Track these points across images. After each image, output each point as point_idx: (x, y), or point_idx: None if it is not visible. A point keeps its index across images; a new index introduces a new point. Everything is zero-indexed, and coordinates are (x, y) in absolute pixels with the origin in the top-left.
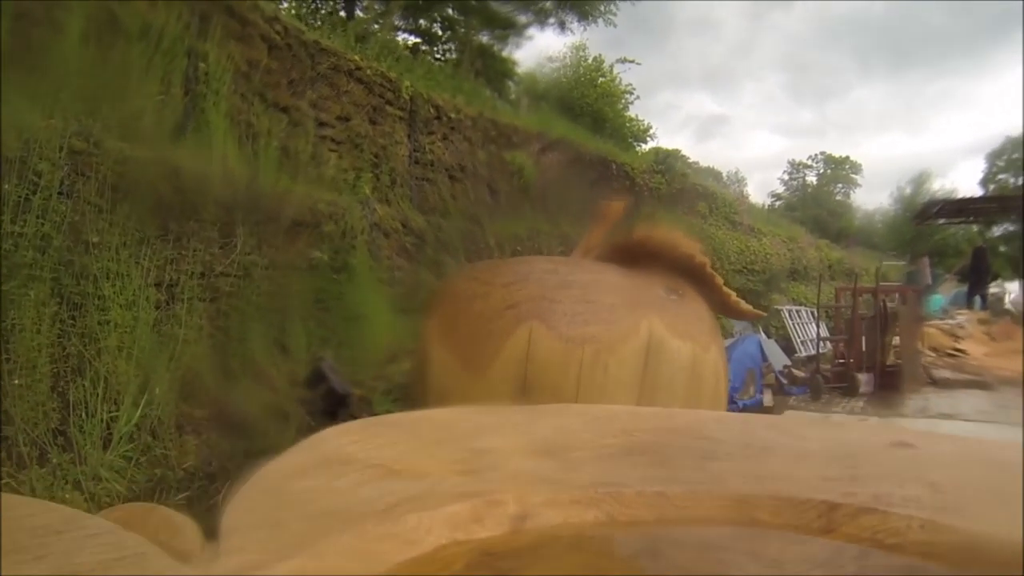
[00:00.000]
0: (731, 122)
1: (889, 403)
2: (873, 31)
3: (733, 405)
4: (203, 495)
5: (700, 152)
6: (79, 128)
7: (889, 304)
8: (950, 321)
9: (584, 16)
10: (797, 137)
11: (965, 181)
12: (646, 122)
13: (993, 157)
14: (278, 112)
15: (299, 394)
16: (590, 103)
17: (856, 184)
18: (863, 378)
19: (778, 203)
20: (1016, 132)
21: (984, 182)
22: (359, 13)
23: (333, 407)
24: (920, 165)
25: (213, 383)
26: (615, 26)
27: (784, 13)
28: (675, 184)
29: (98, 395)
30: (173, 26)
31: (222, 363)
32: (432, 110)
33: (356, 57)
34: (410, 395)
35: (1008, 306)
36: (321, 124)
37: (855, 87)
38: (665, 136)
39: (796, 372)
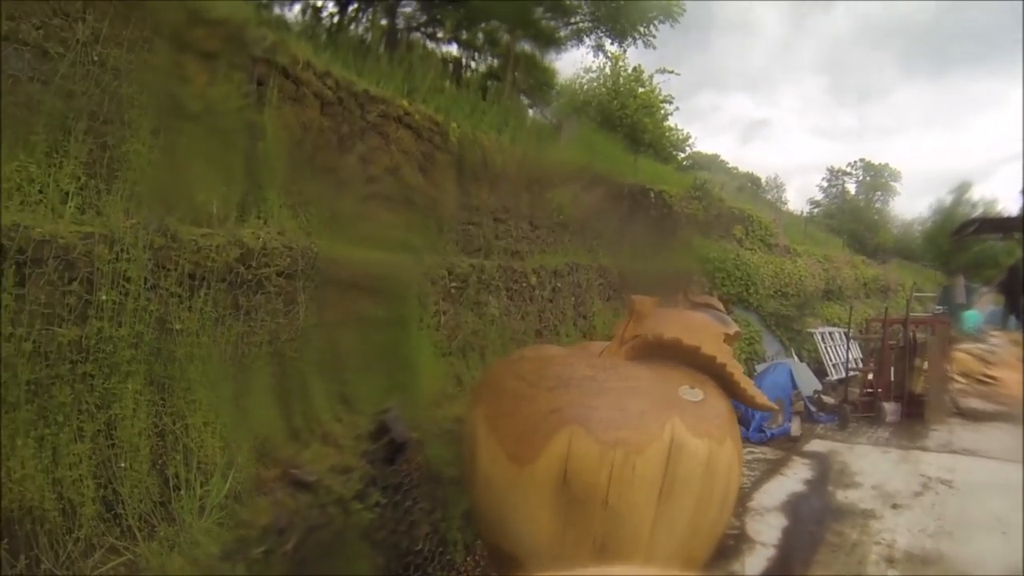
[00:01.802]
0: (771, 125)
1: (914, 434)
2: (914, 32)
3: (762, 434)
4: (277, 547)
5: (740, 156)
6: (158, 224)
7: (919, 335)
8: (982, 345)
9: (622, 37)
10: (836, 140)
11: (1007, 187)
12: (685, 131)
13: None
14: (330, 173)
15: (362, 447)
16: (629, 114)
17: (895, 192)
18: (889, 408)
19: (816, 210)
20: None
21: None
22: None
23: (393, 455)
24: (961, 170)
25: (282, 445)
26: (654, 48)
27: (825, 14)
28: (712, 210)
29: (191, 468)
30: (233, 97)
31: (289, 425)
32: (479, 152)
33: (404, 103)
34: (461, 477)
35: None
36: (371, 179)
37: (896, 90)
38: (706, 140)
39: (825, 399)
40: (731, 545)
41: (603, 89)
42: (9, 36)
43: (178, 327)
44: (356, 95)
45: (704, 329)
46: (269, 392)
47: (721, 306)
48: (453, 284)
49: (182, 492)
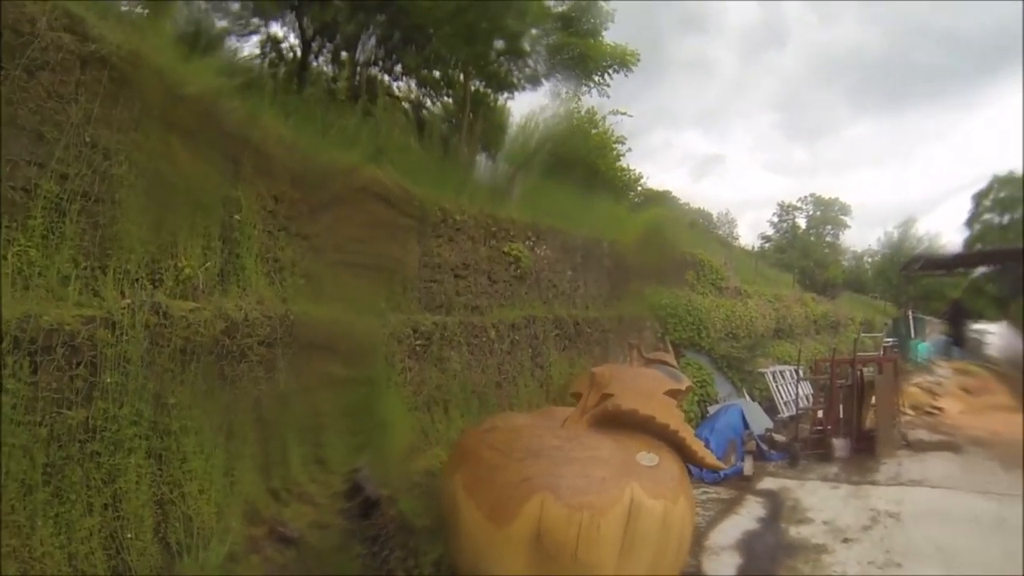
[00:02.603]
0: (723, 161)
1: (863, 469)
2: (865, 68)
3: (715, 474)
4: None
5: (692, 192)
6: (151, 303)
7: (866, 373)
8: (930, 377)
9: (578, 84)
10: (788, 175)
11: (952, 219)
12: (637, 171)
13: (979, 197)
14: (300, 240)
15: (338, 505)
16: (583, 156)
17: (845, 225)
18: (839, 444)
19: (767, 245)
20: (1002, 170)
21: (970, 222)
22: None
23: (366, 511)
24: (909, 203)
25: (265, 506)
26: (608, 96)
27: (777, 52)
28: (665, 257)
29: (191, 534)
30: (212, 175)
31: (271, 487)
32: (439, 212)
33: (374, 169)
34: (435, 522)
35: (994, 352)
36: (339, 244)
37: (847, 125)
38: (659, 176)
39: (776, 437)
40: None
41: (556, 131)
42: (8, 121)
43: (172, 401)
44: (324, 167)
45: (657, 396)
46: (253, 457)
47: (673, 361)
48: (418, 342)
49: (185, 557)
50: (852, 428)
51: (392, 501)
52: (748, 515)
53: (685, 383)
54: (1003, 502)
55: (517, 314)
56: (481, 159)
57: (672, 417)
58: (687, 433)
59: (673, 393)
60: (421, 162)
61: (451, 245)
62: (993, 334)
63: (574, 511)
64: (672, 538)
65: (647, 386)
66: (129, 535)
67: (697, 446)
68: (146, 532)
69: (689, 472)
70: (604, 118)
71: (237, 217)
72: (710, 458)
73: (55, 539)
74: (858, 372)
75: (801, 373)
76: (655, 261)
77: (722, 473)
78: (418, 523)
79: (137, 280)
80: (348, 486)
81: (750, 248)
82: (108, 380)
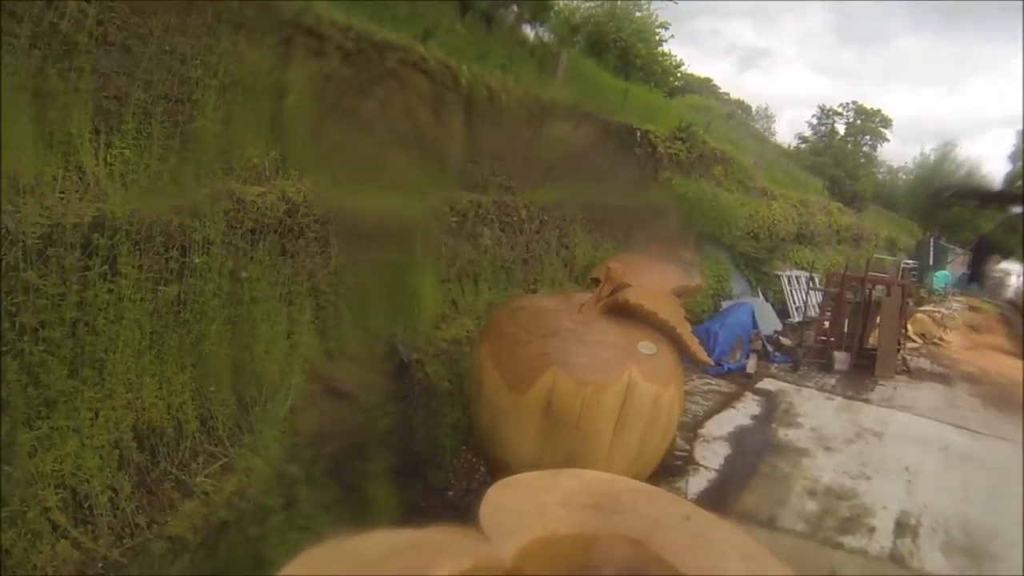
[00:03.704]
0: (769, 55)
1: (859, 386)
2: None
3: (719, 368)
4: (327, 450)
5: (734, 84)
6: (227, 191)
7: (875, 294)
8: (943, 308)
9: None
10: (834, 78)
11: (995, 149)
12: (677, 58)
13: None
14: (348, 116)
15: (379, 366)
16: (624, 38)
17: (884, 139)
18: (840, 357)
19: (803, 146)
20: None
21: (1013, 157)
22: None
23: (400, 372)
24: (951, 127)
25: (321, 366)
26: None
27: None
28: (695, 151)
29: (260, 390)
30: (266, 60)
31: (326, 348)
32: (485, 92)
33: (421, 48)
34: (456, 385)
35: (1010, 293)
36: (388, 122)
37: (899, 37)
38: (701, 64)
39: (783, 340)
40: (679, 466)
41: (600, 11)
42: (99, 39)
43: (244, 276)
44: (375, 44)
45: (664, 292)
46: (310, 323)
47: (689, 257)
48: (453, 219)
49: (256, 408)
50: (855, 344)
51: (420, 365)
52: (743, 411)
53: (695, 281)
54: (974, 439)
55: (548, 196)
56: (526, 35)
57: (673, 314)
58: (684, 330)
59: (683, 290)
60: (468, 41)
61: (493, 127)
62: (1016, 276)
63: (580, 385)
64: (661, 419)
65: (657, 282)
66: (212, 389)
67: (692, 342)
68: (225, 387)
69: (690, 364)
70: (649, 2)
71: (289, 99)
72: (701, 354)
73: (158, 393)
74: (867, 290)
75: (815, 282)
76: (685, 154)
77: (726, 367)
78: (441, 386)
79: (213, 171)
80: (387, 348)
81: (786, 146)
82: (196, 261)
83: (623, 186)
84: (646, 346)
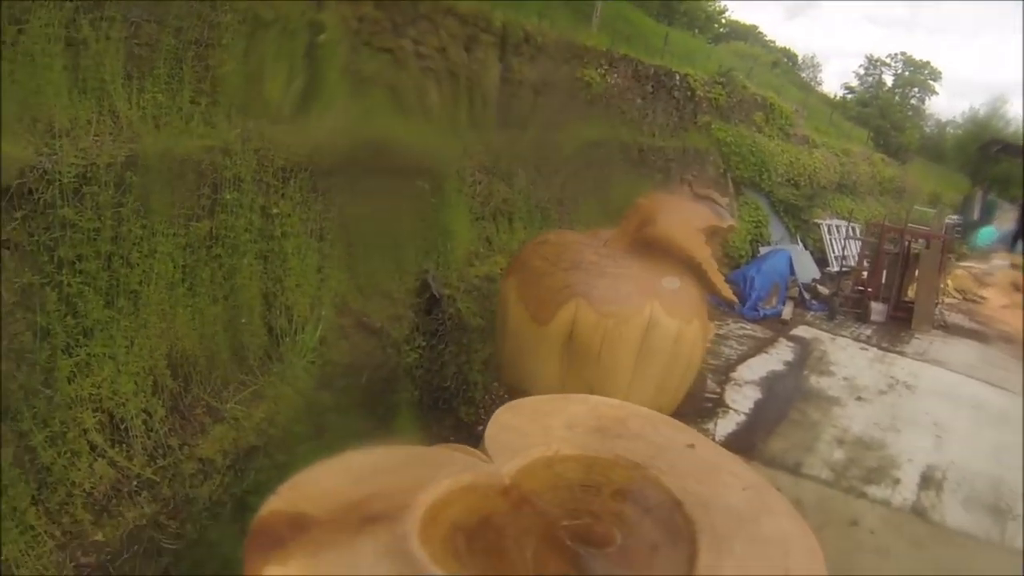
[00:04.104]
0: (818, 3)
1: (895, 338)
2: None
3: (755, 312)
4: (356, 381)
5: (781, 31)
6: (257, 130)
7: (914, 247)
8: (983, 265)
9: None
10: (883, 28)
11: None
12: (721, 3)
13: None
14: (383, 54)
15: (411, 301)
16: None
17: (933, 91)
18: (877, 308)
19: (849, 96)
20: None
21: None
22: None
23: (431, 307)
24: (1003, 83)
25: (352, 300)
26: None
27: None
28: (734, 96)
29: (291, 321)
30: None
31: (356, 283)
32: (521, 33)
33: None
34: (488, 321)
35: None
36: (420, 56)
37: None
38: (747, 10)
39: (820, 288)
40: (708, 408)
41: None
42: None
43: (275, 212)
44: None
45: (691, 228)
46: (341, 257)
47: (721, 199)
48: (489, 157)
49: (286, 339)
50: (892, 296)
51: (452, 301)
52: (777, 357)
53: (728, 221)
54: (1007, 398)
55: (584, 136)
56: None
57: (699, 250)
58: (710, 266)
59: (715, 229)
60: None
61: (530, 65)
62: None
63: (602, 317)
64: (683, 355)
65: (686, 219)
66: (243, 320)
67: (717, 278)
68: (256, 319)
69: (730, 307)
70: None
71: (321, 37)
72: (726, 290)
73: (191, 323)
74: (907, 242)
75: (855, 231)
76: (724, 99)
77: (761, 313)
78: (473, 323)
79: (242, 111)
80: (418, 284)
81: (831, 95)
82: (227, 197)
83: (661, 128)
84: (669, 280)
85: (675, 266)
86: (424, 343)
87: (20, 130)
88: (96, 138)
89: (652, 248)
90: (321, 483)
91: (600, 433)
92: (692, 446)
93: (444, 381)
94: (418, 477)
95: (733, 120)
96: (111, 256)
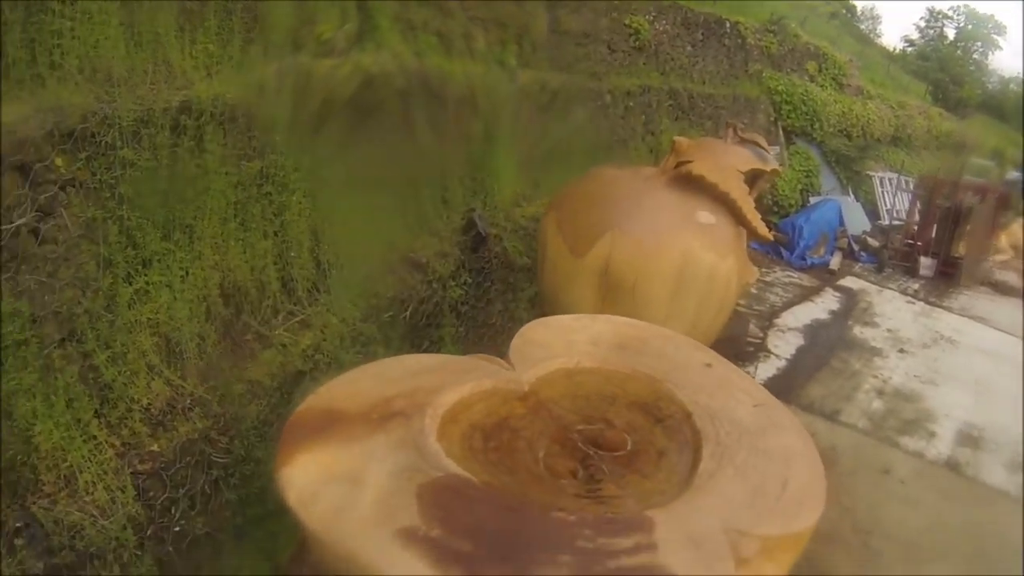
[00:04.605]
0: None
1: (941, 293)
2: None
3: (803, 261)
4: (399, 314)
5: None
6: (293, 66)
7: (967, 201)
8: None
9: None
10: None
11: None
12: None
13: None
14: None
15: (457, 239)
16: None
17: (997, 47)
18: (925, 262)
19: (909, 49)
20: None
21: None
22: None
23: (477, 245)
24: None
25: (399, 237)
26: None
27: None
28: (786, 44)
29: (338, 255)
30: None
31: (404, 221)
32: None
33: None
34: (534, 261)
35: None
36: (467, 8)
37: None
38: None
39: (870, 240)
40: (750, 352)
41: None
42: None
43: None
44: None
45: (730, 167)
46: (391, 195)
47: (765, 143)
48: (544, 97)
49: (333, 272)
50: (942, 251)
51: (499, 239)
52: (822, 306)
53: (771, 165)
54: None
55: (633, 82)
56: None
57: (736, 188)
58: (746, 204)
59: (758, 172)
60: None
61: (577, 14)
62: None
63: (637, 249)
64: (717, 290)
65: (725, 161)
66: (292, 254)
67: (753, 216)
68: (304, 253)
69: (778, 254)
70: None
71: None
72: (762, 228)
73: (242, 256)
74: (959, 197)
75: (908, 184)
76: (776, 48)
77: (808, 262)
78: (519, 261)
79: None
80: (465, 222)
81: (891, 49)
82: (277, 138)
83: (711, 76)
84: (705, 216)
85: (711, 203)
86: (470, 280)
87: (82, 80)
88: (152, 86)
89: (689, 185)
90: (356, 384)
91: (621, 349)
92: (709, 365)
93: (489, 318)
94: (443, 381)
95: (785, 69)
96: (167, 193)
